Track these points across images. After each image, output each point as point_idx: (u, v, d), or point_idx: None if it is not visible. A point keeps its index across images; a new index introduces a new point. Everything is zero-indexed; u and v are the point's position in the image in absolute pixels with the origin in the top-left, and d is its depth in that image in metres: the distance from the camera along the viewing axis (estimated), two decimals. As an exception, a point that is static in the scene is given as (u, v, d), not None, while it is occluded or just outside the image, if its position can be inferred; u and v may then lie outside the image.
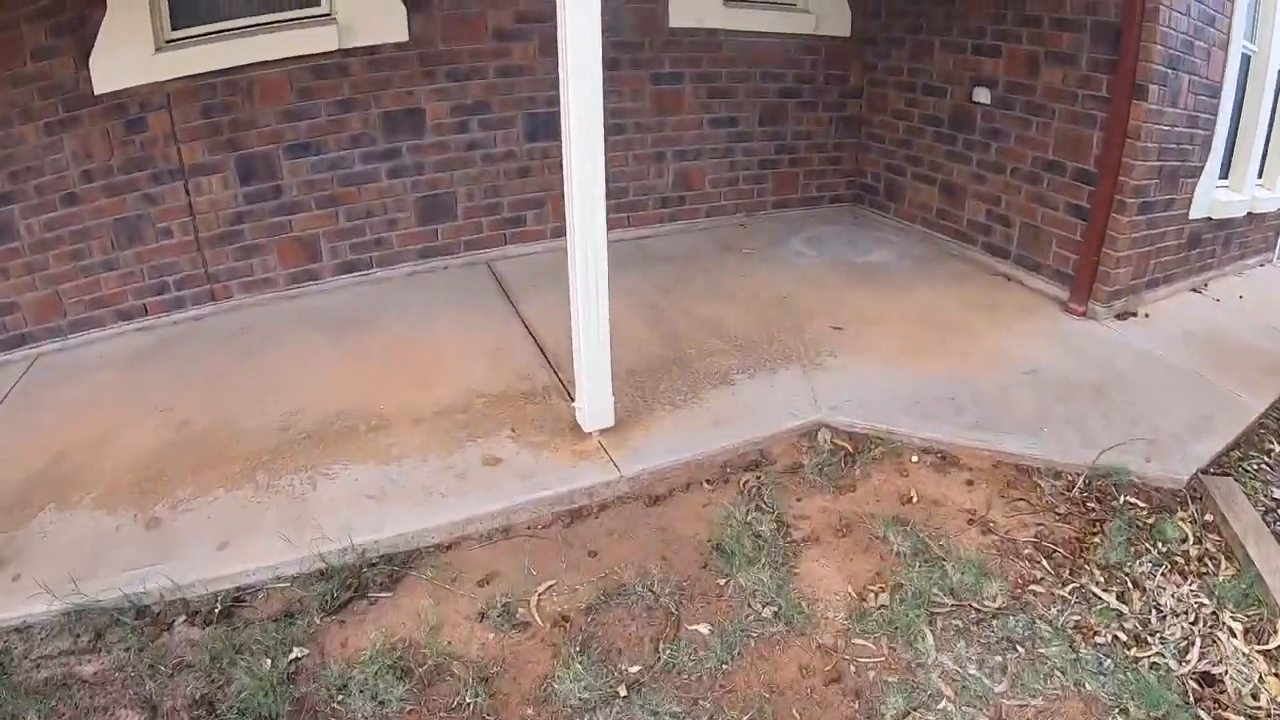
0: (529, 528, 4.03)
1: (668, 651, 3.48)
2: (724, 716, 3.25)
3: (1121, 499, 4.31)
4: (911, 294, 6.14)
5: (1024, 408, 4.87)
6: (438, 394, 4.83)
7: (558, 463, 4.30)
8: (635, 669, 3.42)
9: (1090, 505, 4.32)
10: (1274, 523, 4.09)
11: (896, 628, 3.59)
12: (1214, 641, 3.60)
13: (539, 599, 3.71)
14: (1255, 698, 3.41)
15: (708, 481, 4.37)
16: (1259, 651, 3.56)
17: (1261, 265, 7.03)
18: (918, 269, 6.62)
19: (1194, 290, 6.38)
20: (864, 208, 8.00)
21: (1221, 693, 3.42)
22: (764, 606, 3.70)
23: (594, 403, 4.43)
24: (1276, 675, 3.49)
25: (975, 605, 3.72)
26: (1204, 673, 3.47)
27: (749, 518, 4.14)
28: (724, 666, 3.44)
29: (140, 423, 4.60)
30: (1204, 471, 4.37)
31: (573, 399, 4.67)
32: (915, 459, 4.61)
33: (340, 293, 6.19)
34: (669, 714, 3.23)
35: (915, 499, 4.31)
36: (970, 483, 4.45)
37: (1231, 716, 3.32)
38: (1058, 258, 6.27)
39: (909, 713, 3.29)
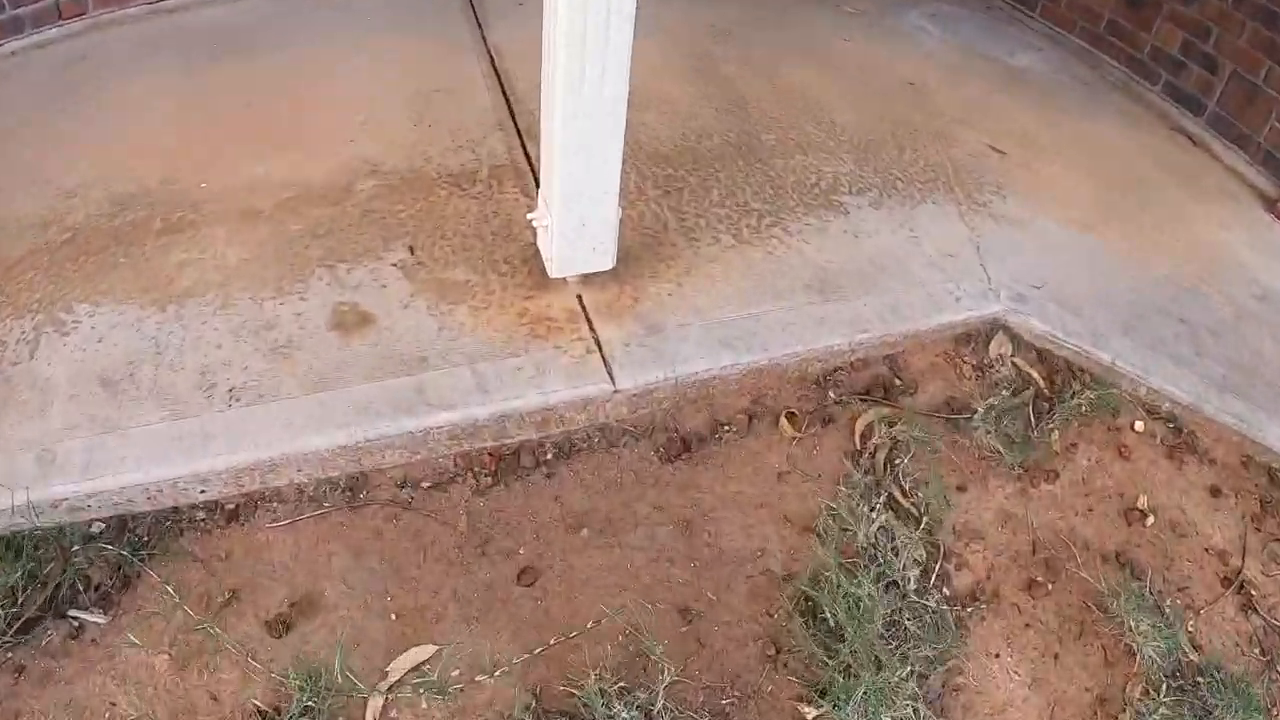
0: (402, 486, 2.23)
1: None
2: None
3: None
4: (1085, 125, 4.41)
5: (1274, 363, 3.27)
6: (305, 163, 3.13)
7: (485, 337, 2.44)
8: None
9: None
10: None
11: None
12: None
13: (387, 703, 1.87)
14: None
15: (790, 417, 2.47)
16: None
17: None
18: (1085, 92, 4.84)
19: None
20: (1001, -4, 6.95)
21: None
22: None
23: (575, 217, 2.36)
24: None
25: None
26: None
27: (875, 532, 2.18)
28: None
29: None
30: None
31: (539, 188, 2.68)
32: (1139, 425, 2.83)
33: (239, 3, 4.49)
34: None
35: (1147, 517, 2.63)
36: (1215, 490, 2.80)
37: None
38: (1276, 136, 4.60)
39: None
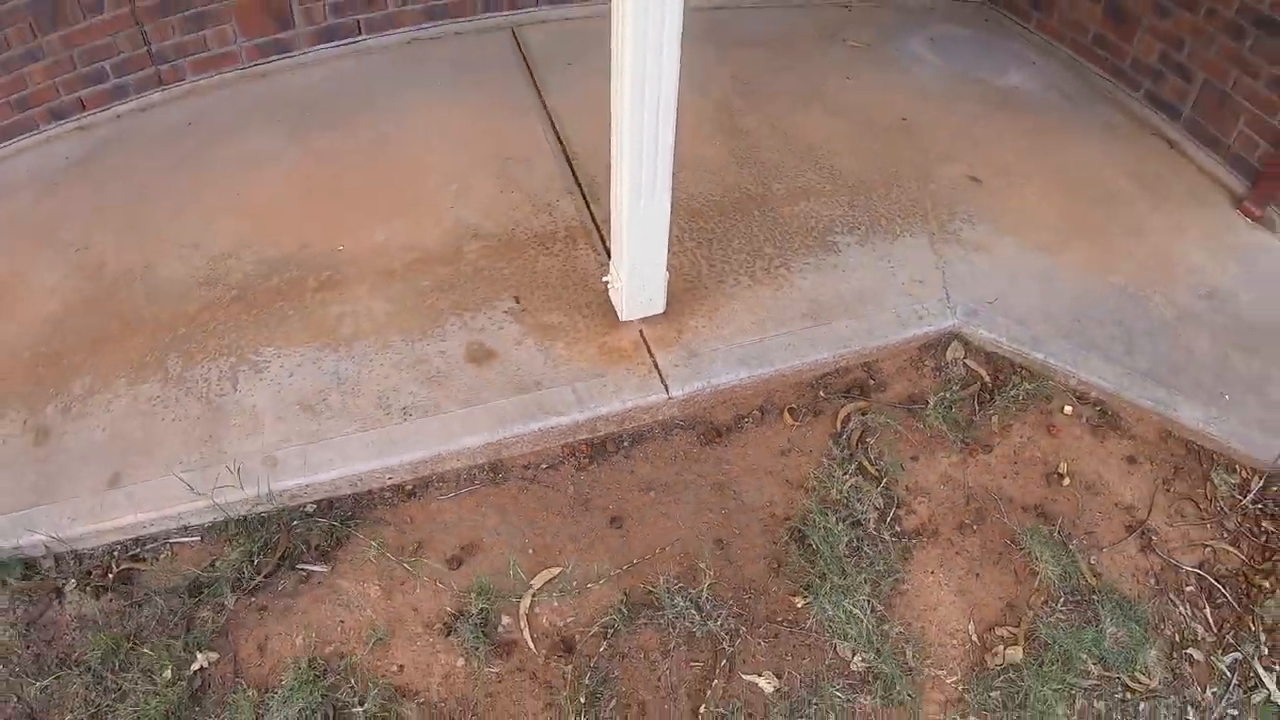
0: (528, 468, 3.38)
1: (711, 718, 2.84)
2: None
3: None
4: (1064, 144, 5.32)
5: (1202, 355, 4.17)
6: (419, 229, 4.09)
7: (578, 366, 3.54)
8: None
9: (1264, 525, 3.75)
10: None
11: (1026, 708, 3.01)
12: None
13: (533, 602, 3.06)
14: None
15: (790, 411, 3.65)
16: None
17: None
18: (1068, 108, 5.72)
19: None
20: (999, 9, 6.98)
21: None
22: (854, 654, 3.06)
23: (638, 280, 3.54)
24: None
25: (1127, 681, 3.17)
26: None
27: (848, 485, 3.43)
28: None
29: (50, 266, 4.09)
30: None
31: (607, 250, 3.77)
32: (1069, 409, 3.87)
33: (317, 68, 5.37)
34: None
35: (1066, 478, 3.66)
36: (1132, 460, 3.78)
37: None
38: (1243, 139, 5.34)
39: None
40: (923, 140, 5.06)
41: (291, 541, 3.10)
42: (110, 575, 3.07)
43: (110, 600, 2.97)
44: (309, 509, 3.19)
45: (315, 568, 3.07)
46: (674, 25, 2.75)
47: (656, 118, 2.97)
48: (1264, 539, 3.73)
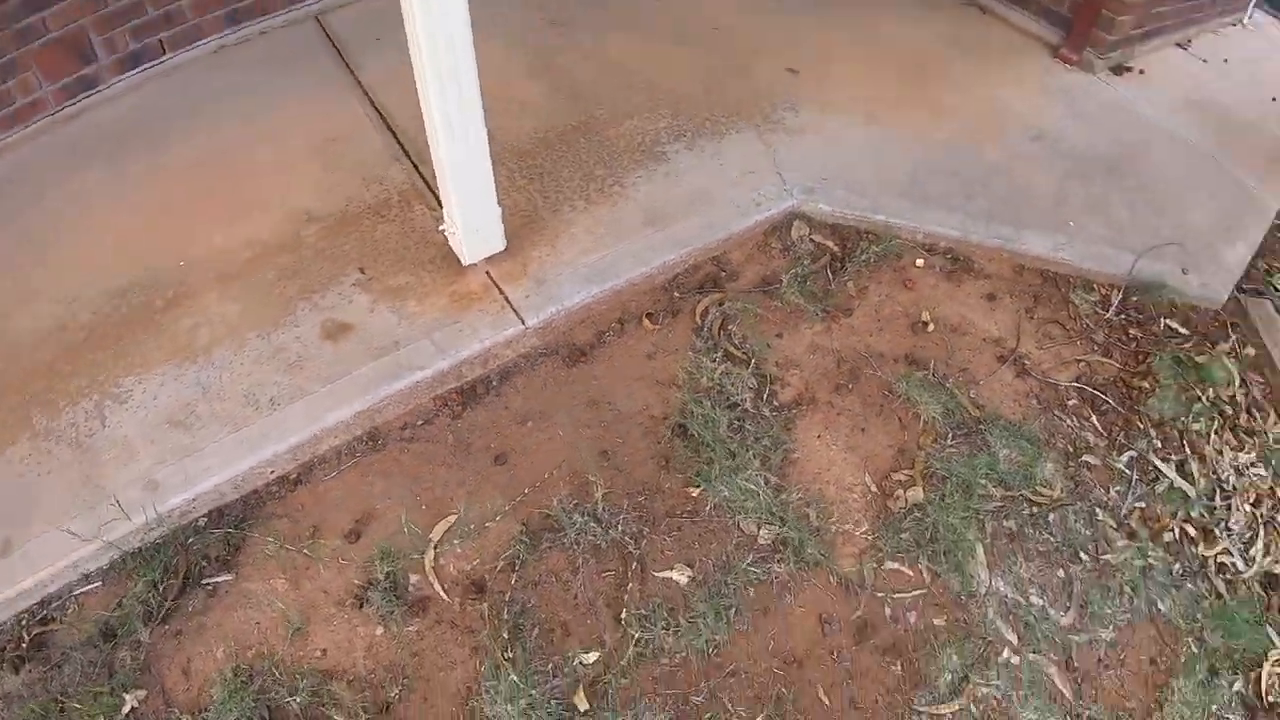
0: (404, 428, 3.38)
1: (634, 622, 2.92)
2: (730, 714, 2.78)
3: (1162, 324, 4.04)
4: (878, 24, 5.50)
5: (1041, 190, 4.41)
6: (254, 226, 4.03)
7: (432, 318, 3.58)
8: (592, 659, 2.85)
9: (1131, 332, 4.00)
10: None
11: (937, 542, 3.13)
12: (1275, 529, 3.50)
13: (436, 554, 3.07)
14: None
15: (649, 316, 3.73)
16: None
17: (1234, 25, 6.62)
18: None
19: (1179, 46, 6.07)
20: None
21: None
22: (759, 527, 3.14)
23: (472, 222, 3.58)
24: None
25: (1030, 497, 3.33)
26: (1268, 573, 3.42)
27: (718, 373, 3.51)
28: (716, 638, 2.90)
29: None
30: (1240, 288, 4.29)
31: (442, 206, 3.76)
32: (920, 262, 4.03)
33: (129, 96, 5.15)
34: (652, 730, 2.72)
35: (931, 324, 3.80)
36: (992, 297, 3.96)
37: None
38: None
39: (966, 677, 2.91)
40: (737, 44, 5.17)
41: (190, 559, 3.07)
42: (24, 645, 3.01)
43: (30, 670, 2.91)
44: (200, 523, 3.15)
45: (220, 578, 3.05)
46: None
47: (454, 55, 3.01)
48: (1134, 344, 3.94)
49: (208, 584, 3.02)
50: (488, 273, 3.73)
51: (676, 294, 3.80)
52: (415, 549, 3.07)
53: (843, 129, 4.57)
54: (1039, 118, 4.87)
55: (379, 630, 2.91)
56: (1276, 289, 4.41)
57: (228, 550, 3.09)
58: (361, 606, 2.96)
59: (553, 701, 2.76)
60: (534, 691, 2.76)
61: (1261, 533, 3.46)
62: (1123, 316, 4.02)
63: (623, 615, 2.93)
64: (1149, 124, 5.08)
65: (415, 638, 2.90)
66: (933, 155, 4.47)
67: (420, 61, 3.01)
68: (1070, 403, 3.64)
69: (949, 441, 3.42)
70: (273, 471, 3.27)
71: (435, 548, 3.09)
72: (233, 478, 3.20)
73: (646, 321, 3.72)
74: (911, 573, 3.06)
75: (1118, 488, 3.39)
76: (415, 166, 4.24)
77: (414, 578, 3.02)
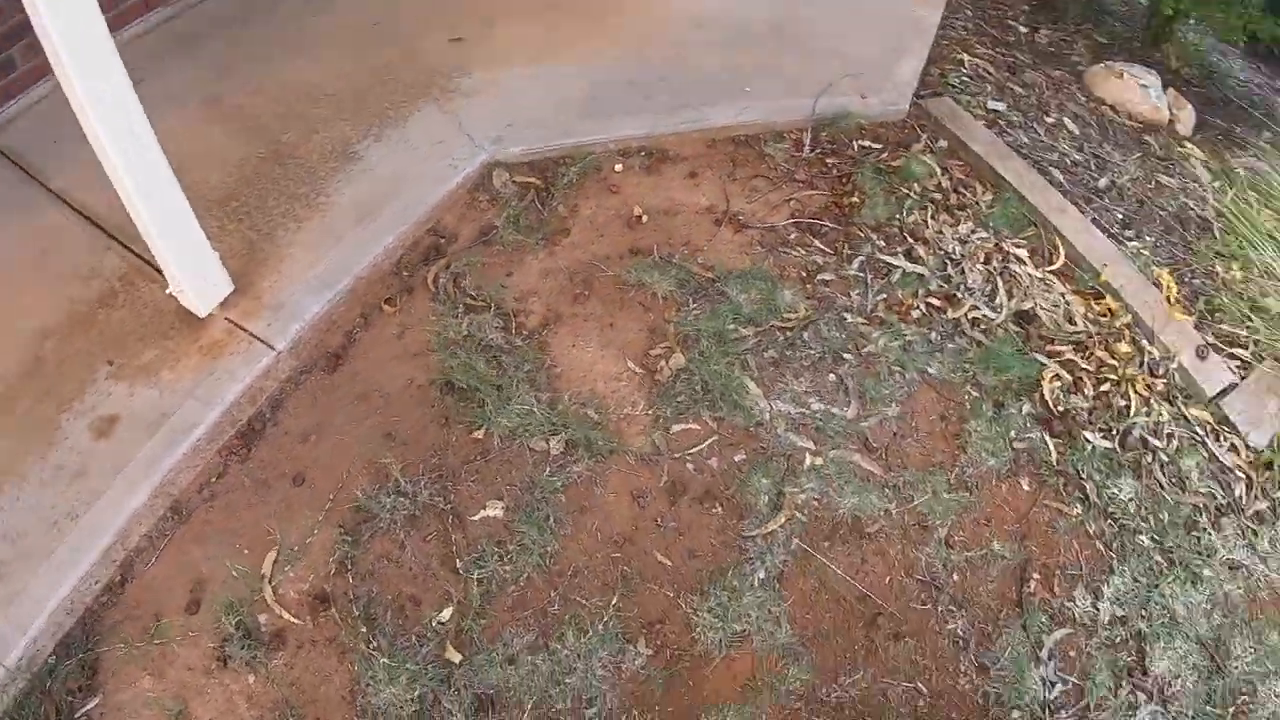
0: (201, 490, 3.33)
1: (471, 567, 3.01)
2: (587, 608, 2.90)
3: (855, 145, 4.35)
4: None
5: (713, 69, 4.65)
6: None
7: (190, 378, 3.55)
8: (447, 615, 2.95)
9: (829, 162, 4.29)
10: (1003, 135, 4.52)
11: (711, 391, 3.31)
12: (1011, 276, 3.84)
13: (273, 587, 3.08)
14: (1071, 321, 3.74)
15: (387, 301, 3.79)
16: (1051, 273, 3.89)
17: None
18: None
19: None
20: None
21: (1041, 327, 3.73)
22: (548, 440, 3.26)
23: (195, 274, 3.56)
24: (1078, 294, 3.85)
25: (779, 325, 3.56)
26: (1018, 312, 3.75)
27: (464, 327, 3.61)
28: (548, 549, 3.03)
29: None
30: (919, 97, 4.64)
31: (163, 273, 3.73)
32: (619, 167, 4.21)
33: None
34: (524, 650, 2.84)
35: (643, 216, 4.00)
36: (693, 175, 4.18)
37: (1061, 348, 3.62)
38: None
39: (781, 492, 3.07)
40: (397, 31, 5.18)
41: (55, 700, 2.99)
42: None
43: None
44: (51, 661, 3.06)
45: (89, 705, 2.98)
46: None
47: (126, 114, 3.07)
48: (834, 171, 4.21)
49: (81, 717, 2.95)
50: (226, 317, 3.72)
51: (405, 273, 3.86)
52: (252, 590, 3.08)
53: (516, 78, 4.66)
54: (695, 6, 5.09)
55: (251, 678, 2.91)
56: (953, 85, 4.73)
57: (86, 675, 3.02)
58: (226, 665, 2.94)
59: (429, 666, 2.84)
60: (409, 665, 2.82)
61: (999, 282, 3.78)
62: (817, 152, 4.26)
63: (458, 566, 3.01)
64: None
65: (286, 669, 2.91)
66: (608, 74, 4.64)
67: (95, 133, 3.03)
68: (792, 236, 3.88)
69: (691, 306, 3.62)
70: (97, 582, 3.20)
71: (269, 581, 3.09)
72: (62, 605, 3.12)
73: (386, 307, 3.77)
74: (699, 426, 3.21)
75: (856, 291, 3.64)
76: (126, 247, 4.14)
77: (262, 617, 3.02)
